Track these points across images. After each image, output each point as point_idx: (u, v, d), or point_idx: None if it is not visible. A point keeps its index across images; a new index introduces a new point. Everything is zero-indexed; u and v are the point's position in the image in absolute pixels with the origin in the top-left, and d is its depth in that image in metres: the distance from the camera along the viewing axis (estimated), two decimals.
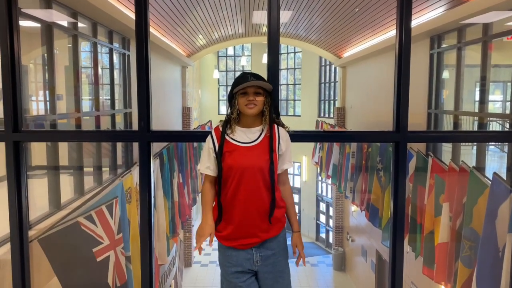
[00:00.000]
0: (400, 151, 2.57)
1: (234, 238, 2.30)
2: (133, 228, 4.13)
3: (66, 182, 5.45)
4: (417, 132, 2.70)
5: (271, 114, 2.29)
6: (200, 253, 2.31)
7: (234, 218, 2.27)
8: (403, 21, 2.50)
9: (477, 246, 4.10)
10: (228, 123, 2.30)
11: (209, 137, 2.33)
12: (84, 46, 6.17)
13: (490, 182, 3.94)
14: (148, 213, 2.65)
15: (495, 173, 3.80)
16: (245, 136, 2.28)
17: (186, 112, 12.37)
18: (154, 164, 5.27)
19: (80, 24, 5.66)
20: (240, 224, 2.27)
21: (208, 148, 2.32)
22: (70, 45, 5.53)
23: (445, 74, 7.24)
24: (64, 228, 3.54)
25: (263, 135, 2.28)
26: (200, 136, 2.89)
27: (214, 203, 2.35)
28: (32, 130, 3.27)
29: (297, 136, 2.65)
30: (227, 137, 2.27)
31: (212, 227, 2.29)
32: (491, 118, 7.06)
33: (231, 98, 2.28)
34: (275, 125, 2.33)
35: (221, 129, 2.31)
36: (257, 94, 2.23)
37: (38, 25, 4.72)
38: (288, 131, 2.40)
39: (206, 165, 2.32)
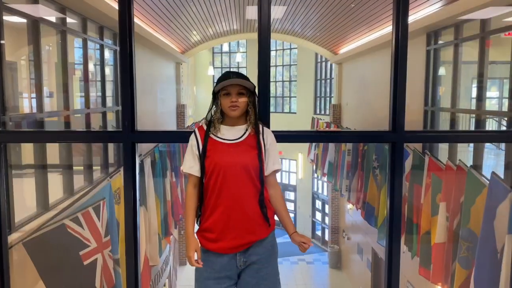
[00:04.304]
0: (397, 151, 2.46)
1: (217, 239, 2.20)
2: (122, 229, 4.01)
3: (58, 181, 5.33)
4: (414, 132, 2.59)
5: (255, 113, 2.23)
6: (201, 265, 2.21)
7: (219, 218, 2.18)
8: (399, 17, 2.38)
9: (474, 247, 4.02)
10: (211, 123, 2.24)
11: (192, 136, 2.26)
12: (79, 43, 6.04)
13: (488, 182, 3.85)
14: (133, 218, 2.54)
15: (493, 173, 3.71)
16: (230, 133, 2.22)
17: (180, 110, 12.24)
18: (146, 163, 5.15)
19: (69, 20, 5.52)
20: (225, 224, 2.17)
21: (191, 146, 2.25)
22: (60, 41, 5.40)
23: (441, 71, 7.15)
24: (49, 230, 3.42)
25: (247, 133, 2.23)
26: (189, 136, 2.75)
27: (196, 209, 2.27)
28: (12, 131, 3.14)
29: (291, 137, 2.53)
30: (211, 135, 2.22)
31: (195, 243, 2.22)
32: (488, 116, 6.99)
33: (214, 98, 2.23)
34: (260, 124, 2.27)
35: (205, 127, 2.25)
36: (240, 95, 2.17)
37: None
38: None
39: (190, 164, 2.24)
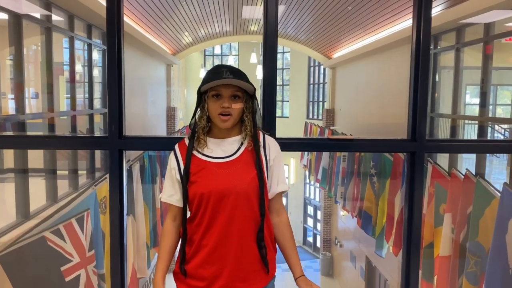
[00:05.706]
0: (417, 162, 2.19)
1: (201, 287, 1.72)
2: (108, 241, 3.72)
3: (41, 186, 5.04)
4: (436, 140, 2.37)
5: (254, 122, 1.73)
6: None
7: (204, 261, 1.70)
8: (422, 8, 2.10)
9: (483, 261, 3.80)
10: (195, 134, 1.73)
11: (171, 155, 1.76)
12: (67, 43, 5.76)
13: (497, 192, 3.65)
14: (120, 229, 2.25)
15: (505, 184, 3.50)
16: (219, 149, 1.72)
17: (171, 112, 11.95)
18: (134, 169, 4.86)
19: (55, 18, 5.23)
20: (212, 268, 1.69)
21: (170, 170, 1.76)
22: (45, 39, 5.12)
23: (436, 76, 7.02)
24: (28, 243, 3.11)
25: (243, 147, 1.73)
26: None
27: (174, 249, 1.83)
28: None
29: (297, 145, 2.26)
30: (195, 153, 1.71)
31: None
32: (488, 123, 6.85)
33: (200, 100, 1.70)
34: (260, 132, 1.78)
35: (187, 143, 1.75)
36: (234, 99, 1.66)
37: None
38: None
39: (169, 192, 1.76)
